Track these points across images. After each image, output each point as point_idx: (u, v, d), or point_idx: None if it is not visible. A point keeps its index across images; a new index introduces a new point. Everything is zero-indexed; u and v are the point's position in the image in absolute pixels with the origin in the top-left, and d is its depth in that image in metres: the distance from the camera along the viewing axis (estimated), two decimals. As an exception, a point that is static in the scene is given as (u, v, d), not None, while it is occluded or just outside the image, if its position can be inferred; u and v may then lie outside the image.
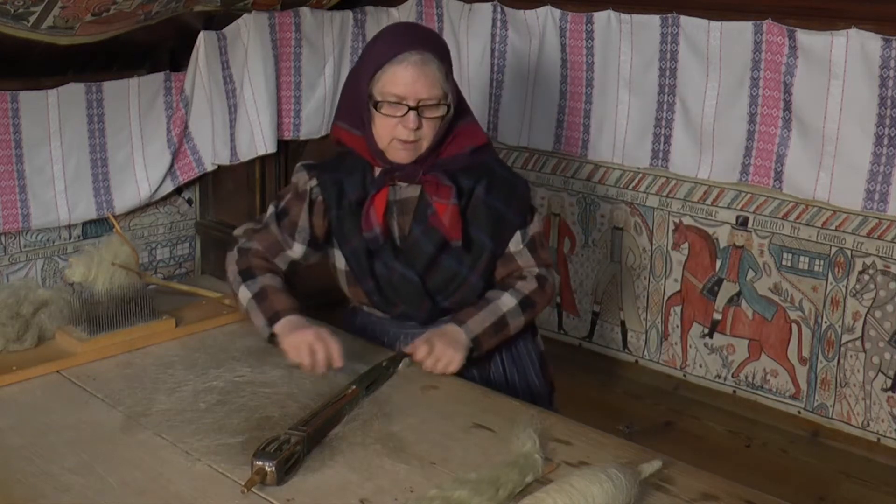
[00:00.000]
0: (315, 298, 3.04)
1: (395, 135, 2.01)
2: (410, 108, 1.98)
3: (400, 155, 2.03)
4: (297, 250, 2.15)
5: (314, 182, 2.14)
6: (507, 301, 2.10)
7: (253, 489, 1.57)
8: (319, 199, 2.14)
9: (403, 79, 1.97)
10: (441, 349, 2.00)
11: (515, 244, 2.13)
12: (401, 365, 2.05)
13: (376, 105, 2.00)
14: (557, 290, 2.23)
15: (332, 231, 2.15)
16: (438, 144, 2.06)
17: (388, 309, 2.18)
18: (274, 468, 1.58)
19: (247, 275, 2.09)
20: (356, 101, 2.06)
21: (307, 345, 1.94)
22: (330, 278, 2.27)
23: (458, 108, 2.09)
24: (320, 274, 2.29)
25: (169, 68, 3.48)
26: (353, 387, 1.91)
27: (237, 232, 2.20)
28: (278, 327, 2.00)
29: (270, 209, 2.18)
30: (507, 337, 2.13)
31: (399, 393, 1.97)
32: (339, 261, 2.18)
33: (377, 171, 2.10)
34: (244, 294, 2.07)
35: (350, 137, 2.10)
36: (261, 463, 1.59)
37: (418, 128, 1.99)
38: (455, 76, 3.96)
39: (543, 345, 2.34)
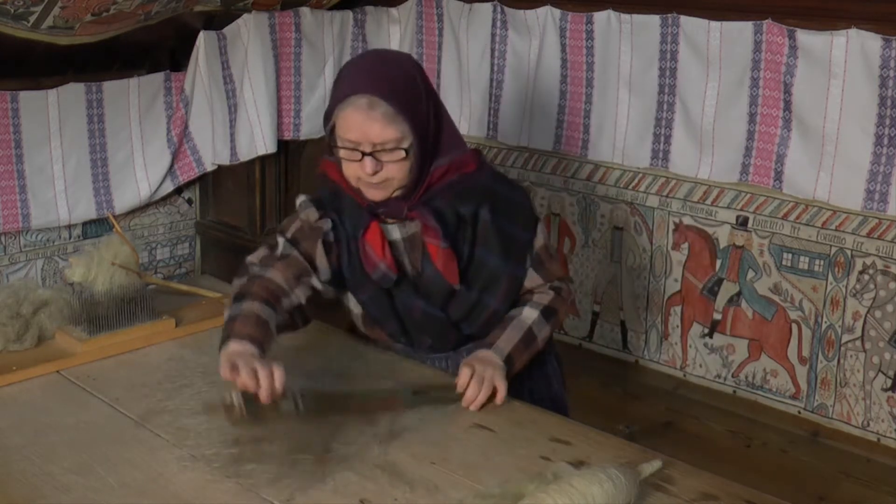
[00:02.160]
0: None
1: (360, 176, 1.90)
2: (365, 154, 1.86)
3: (373, 194, 1.93)
4: (322, 276, 1.98)
5: (329, 225, 2.00)
6: (530, 314, 2.05)
7: (253, 489, 1.57)
8: (333, 240, 2.01)
9: (354, 123, 1.85)
10: (489, 378, 1.91)
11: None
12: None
13: (334, 149, 1.90)
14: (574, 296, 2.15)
15: (344, 276, 2.03)
16: (420, 177, 1.94)
17: (413, 345, 2.11)
18: (241, 399, 1.59)
19: (237, 298, 1.84)
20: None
21: (232, 363, 1.66)
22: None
23: (438, 143, 1.95)
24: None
25: (169, 68, 3.48)
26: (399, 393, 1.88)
27: (251, 259, 1.99)
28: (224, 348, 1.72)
29: (281, 240, 1.99)
30: (537, 350, 2.08)
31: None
32: (355, 305, 2.08)
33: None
34: (224, 317, 1.83)
35: (337, 174, 1.98)
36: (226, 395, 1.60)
37: (378, 171, 1.88)
38: (455, 76, 3.92)
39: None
